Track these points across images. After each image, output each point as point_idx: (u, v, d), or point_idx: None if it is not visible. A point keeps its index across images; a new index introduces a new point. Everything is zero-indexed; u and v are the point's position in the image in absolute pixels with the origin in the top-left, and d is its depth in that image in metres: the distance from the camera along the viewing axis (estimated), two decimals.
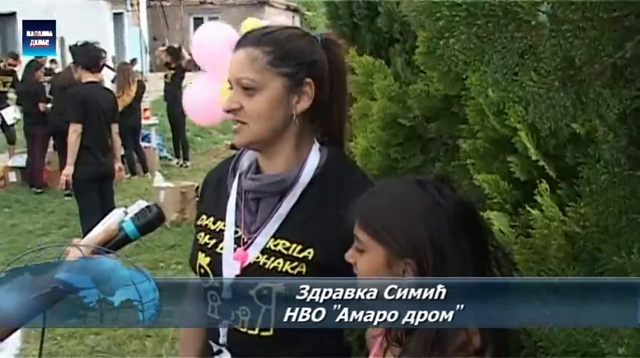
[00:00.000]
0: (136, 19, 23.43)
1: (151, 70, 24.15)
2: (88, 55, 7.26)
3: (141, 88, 12.11)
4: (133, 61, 17.61)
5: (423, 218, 1.58)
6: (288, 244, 1.90)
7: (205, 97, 4.09)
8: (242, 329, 1.93)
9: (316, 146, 1.99)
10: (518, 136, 2.18)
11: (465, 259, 1.56)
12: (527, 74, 1.03)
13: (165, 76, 13.59)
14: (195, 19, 32.97)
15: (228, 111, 1.92)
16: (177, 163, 13.60)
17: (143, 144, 12.84)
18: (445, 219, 1.58)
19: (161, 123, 14.62)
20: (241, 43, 1.93)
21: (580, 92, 1.00)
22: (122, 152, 12.37)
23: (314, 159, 1.96)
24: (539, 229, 1.92)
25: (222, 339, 1.97)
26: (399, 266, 1.59)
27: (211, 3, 33.34)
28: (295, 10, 36.78)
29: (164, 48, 14.96)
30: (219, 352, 1.99)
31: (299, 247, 1.89)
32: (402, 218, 1.60)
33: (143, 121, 12.78)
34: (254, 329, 1.92)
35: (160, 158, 13.55)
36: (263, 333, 1.91)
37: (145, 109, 13.31)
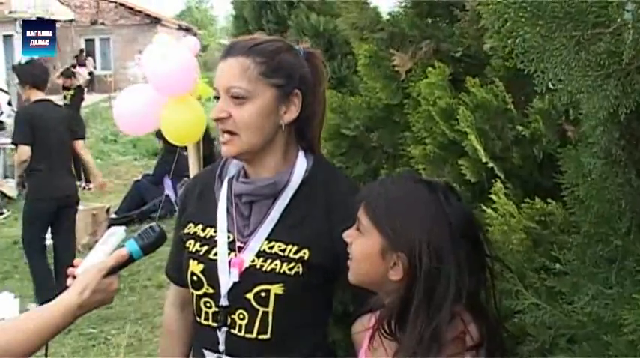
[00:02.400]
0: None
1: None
2: (34, 72, 6.83)
3: None
4: None
5: (424, 219, 1.66)
6: (283, 246, 1.94)
7: (139, 107, 4.07)
8: (239, 334, 1.96)
9: (302, 153, 2.05)
10: (469, 140, 2.30)
11: (461, 265, 1.65)
12: (583, 69, 1.15)
13: (65, 97, 13.29)
14: (86, 40, 32.46)
15: (216, 120, 1.95)
16: (80, 186, 13.30)
17: None
18: (447, 224, 1.67)
19: None
20: (230, 52, 1.97)
21: (625, 84, 1.13)
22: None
23: (302, 164, 2.02)
24: (499, 226, 2.03)
25: (222, 346, 1.98)
26: (391, 257, 1.68)
27: (102, 24, 32.85)
28: (187, 30, 36.64)
29: (59, 73, 14.59)
30: None
31: (294, 248, 1.94)
32: (405, 214, 1.68)
33: None
34: (251, 333, 1.95)
35: None
36: (261, 337, 1.95)
37: None
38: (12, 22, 21.78)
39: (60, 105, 7.79)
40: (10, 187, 12.34)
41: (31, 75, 6.84)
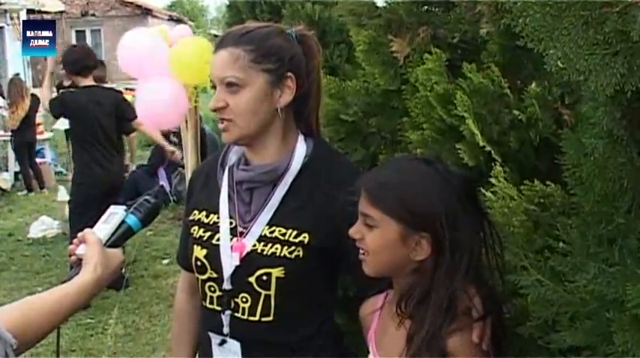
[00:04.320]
0: (17, 33, 22.76)
1: (34, 86, 23.51)
2: (72, 59, 6.74)
3: (35, 101, 11.71)
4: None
5: (437, 193, 1.69)
6: (283, 230, 1.97)
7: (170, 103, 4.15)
8: (243, 317, 1.99)
9: (301, 137, 2.07)
10: (466, 124, 2.32)
11: (470, 230, 1.70)
12: (590, 47, 1.18)
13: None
14: (77, 31, 32.33)
15: (214, 110, 1.98)
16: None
17: (37, 159, 12.50)
18: (454, 193, 1.70)
19: (53, 138, 14.31)
20: (221, 44, 2.00)
21: (632, 62, 1.16)
22: (17, 168, 12.05)
23: (301, 148, 2.05)
24: (499, 209, 2.06)
25: (226, 329, 2.01)
26: (412, 239, 1.70)
27: (93, 15, 32.73)
28: (178, 20, 36.51)
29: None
30: (223, 342, 2.03)
31: (295, 232, 1.97)
32: (416, 193, 1.70)
33: (37, 136, 12.45)
34: (255, 316, 1.98)
35: (55, 173, 13.23)
36: (264, 319, 1.98)
37: (39, 124, 12.94)
38: (2, 14, 21.68)
39: (107, 88, 7.54)
40: (4, 180, 12.33)
41: (71, 63, 6.78)
